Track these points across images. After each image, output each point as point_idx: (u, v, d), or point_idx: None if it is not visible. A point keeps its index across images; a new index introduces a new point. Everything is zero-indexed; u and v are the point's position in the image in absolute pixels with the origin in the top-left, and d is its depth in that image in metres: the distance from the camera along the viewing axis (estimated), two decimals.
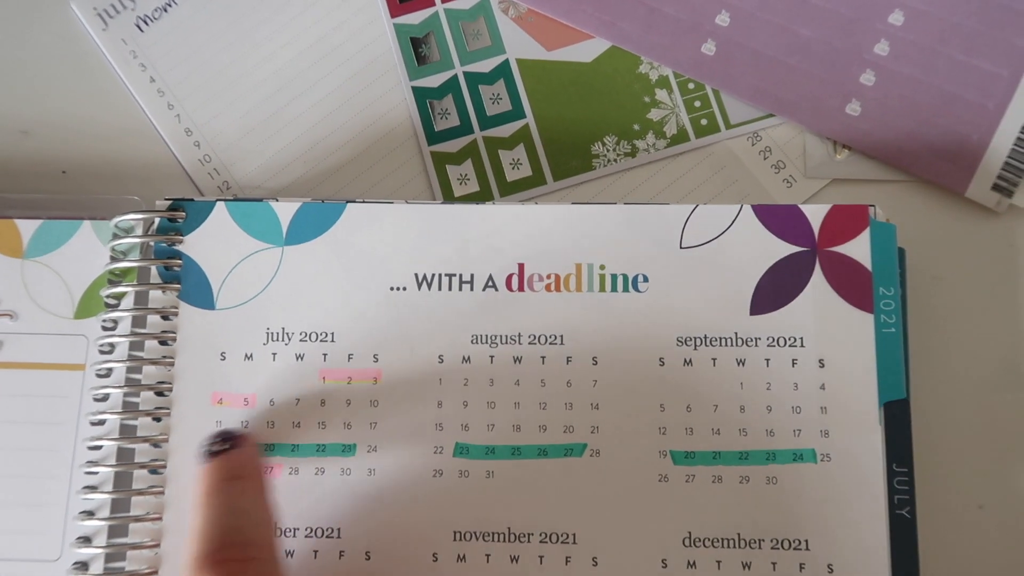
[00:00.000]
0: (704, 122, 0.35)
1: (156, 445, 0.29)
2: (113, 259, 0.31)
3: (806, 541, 0.27)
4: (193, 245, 0.30)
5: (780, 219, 0.30)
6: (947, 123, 0.34)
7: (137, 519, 0.28)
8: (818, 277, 0.29)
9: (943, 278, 0.33)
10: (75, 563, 0.29)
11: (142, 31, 0.35)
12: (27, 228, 0.31)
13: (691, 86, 0.35)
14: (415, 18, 0.35)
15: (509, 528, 0.28)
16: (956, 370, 0.32)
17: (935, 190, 0.34)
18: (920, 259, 0.33)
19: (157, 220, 0.30)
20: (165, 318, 0.30)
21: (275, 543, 0.26)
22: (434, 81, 0.35)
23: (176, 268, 0.30)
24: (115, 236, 0.31)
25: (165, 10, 0.35)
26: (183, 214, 0.31)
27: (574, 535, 0.28)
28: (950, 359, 0.32)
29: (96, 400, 0.30)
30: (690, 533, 0.28)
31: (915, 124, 0.34)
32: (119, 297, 0.30)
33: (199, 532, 0.25)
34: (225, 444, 0.27)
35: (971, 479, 0.31)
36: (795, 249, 0.29)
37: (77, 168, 0.35)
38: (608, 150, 0.35)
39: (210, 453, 0.27)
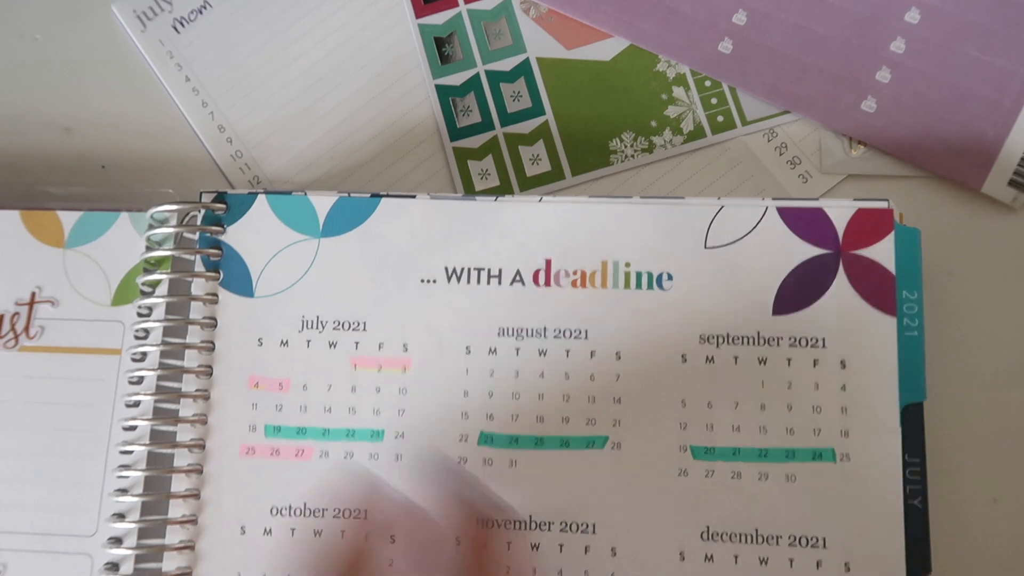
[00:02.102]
0: (720, 119, 0.30)
1: (195, 425, 0.25)
2: (148, 248, 0.27)
3: (824, 539, 0.24)
4: (234, 235, 0.26)
5: (805, 221, 0.25)
6: (963, 120, 0.29)
7: (171, 495, 0.25)
8: (841, 279, 0.25)
9: (957, 273, 0.29)
10: (110, 538, 0.25)
11: (178, 32, 0.31)
12: (68, 219, 0.28)
13: (708, 83, 0.30)
14: (439, 18, 0.31)
15: (530, 516, 0.24)
16: (970, 365, 0.28)
17: (950, 186, 0.29)
18: (935, 254, 0.28)
19: (201, 212, 0.27)
20: (206, 304, 0.26)
21: None
22: (457, 79, 0.30)
23: (217, 257, 0.26)
24: (151, 227, 0.27)
25: (200, 12, 0.31)
26: (224, 206, 0.27)
27: (594, 525, 0.24)
28: (964, 354, 0.28)
29: (131, 383, 0.26)
30: (708, 527, 0.24)
31: (931, 121, 0.29)
32: (154, 285, 0.26)
33: None
34: None
35: (985, 474, 0.27)
36: (819, 251, 0.25)
37: (116, 163, 0.31)
38: (626, 146, 0.30)
39: None
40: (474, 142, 0.30)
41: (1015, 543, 0.27)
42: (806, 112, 0.30)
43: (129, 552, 0.25)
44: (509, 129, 0.30)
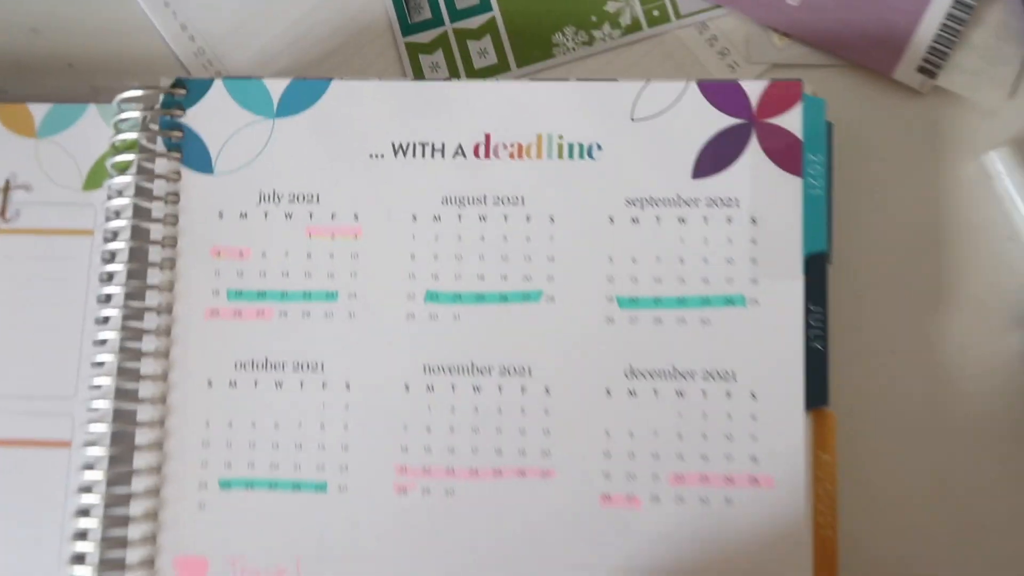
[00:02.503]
0: (656, 13, 0.32)
1: (162, 291, 0.27)
2: (117, 133, 0.29)
3: (733, 372, 0.26)
4: (194, 118, 0.28)
5: (722, 94, 0.27)
6: (877, 12, 0.31)
7: (142, 354, 0.27)
8: (754, 145, 0.27)
9: (870, 153, 0.31)
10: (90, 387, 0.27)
11: None
12: (39, 111, 0.30)
13: None
14: None
15: (472, 363, 0.27)
16: (878, 232, 0.30)
17: (866, 73, 0.31)
18: (850, 136, 0.31)
19: (161, 96, 0.28)
20: (169, 182, 0.28)
21: None
22: None
23: (178, 138, 0.28)
24: (120, 110, 0.28)
25: None
26: (184, 91, 0.28)
27: (529, 368, 0.27)
28: (873, 222, 0.31)
29: (104, 261, 0.28)
30: (631, 366, 0.26)
31: (848, 13, 0.31)
32: (123, 168, 0.28)
33: None
34: None
35: (886, 327, 0.30)
36: (735, 121, 0.27)
37: (82, 63, 0.32)
38: (567, 39, 0.32)
39: None
40: (425, 37, 0.32)
41: (911, 389, 0.29)
42: (735, 6, 0.32)
43: (107, 406, 0.27)
44: (458, 25, 0.32)
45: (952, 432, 0.29)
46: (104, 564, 0.26)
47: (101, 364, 0.27)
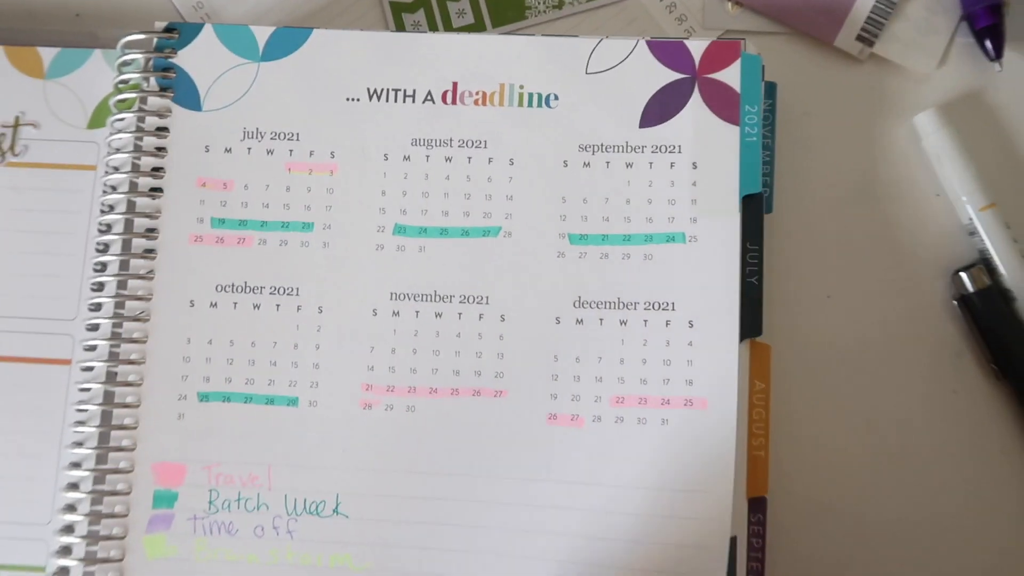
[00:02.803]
0: None
1: (152, 217, 0.30)
2: (120, 72, 0.31)
3: (672, 303, 0.28)
4: (185, 59, 0.31)
5: (668, 52, 0.30)
6: None
7: (131, 275, 0.30)
8: (696, 98, 0.29)
9: (812, 114, 0.33)
10: (90, 306, 0.30)
11: None
12: (47, 54, 0.32)
13: None
14: None
15: (435, 291, 0.29)
16: (818, 188, 0.33)
17: (811, 41, 0.34)
18: (794, 98, 0.33)
19: (155, 40, 0.31)
20: (161, 118, 0.30)
21: None
22: None
23: (170, 78, 0.30)
24: (123, 53, 0.31)
25: None
26: (176, 34, 0.31)
27: (487, 297, 0.29)
28: (813, 179, 0.33)
29: (105, 192, 0.30)
30: (580, 297, 0.29)
31: None
32: (128, 106, 0.30)
33: None
34: None
35: (822, 273, 0.32)
36: (679, 76, 0.30)
37: (88, 13, 0.35)
38: (539, 3, 0.34)
39: None
40: None
41: (843, 330, 0.32)
42: None
43: (107, 320, 0.29)
44: None
45: (879, 371, 0.32)
46: (96, 469, 0.28)
47: (100, 286, 0.30)
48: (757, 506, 0.29)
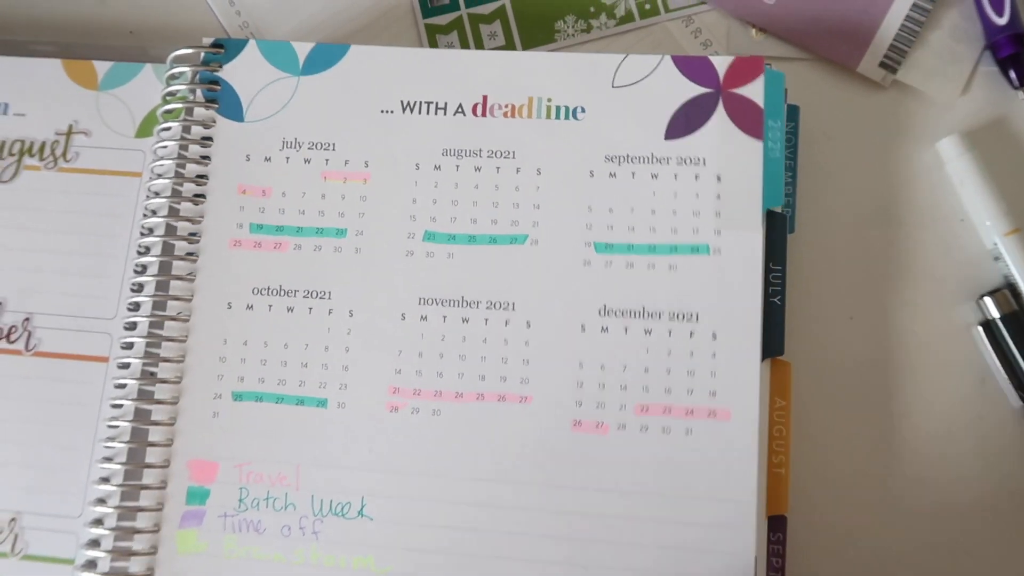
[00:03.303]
0: (648, 6, 0.36)
1: (193, 222, 0.31)
2: (168, 84, 0.32)
3: (696, 314, 0.29)
4: (230, 73, 0.32)
5: (693, 66, 0.31)
6: (844, 11, 0.34)
7: (172, 277, 0.30)
8: (720, 111, 0.30)
9: (834, 138, 0.34)
10: (128, 306, 0.31)
11: None
12: (101, 68, 0.34)
13: None
14: None
15: (463, 297, 0.30)
16: (840, 210, 0.33)
17: (833, 66, 0.35)
18: (816, 122, 0.34)
19: (203, 54, 0.32)
20: (205, 128, 0.32)
21: None
22: None
23: (216, 90, 0.32)
24: (171, 67, 0.32)
25: None
26: (223, 50, 0.32)
27: (513, 304, 0.30)
28: (835, 202, 0.33)
29: (148, 197, 0.32)
30: (605, 305, 0.29)
31: (818, 11, 0.34)
32: (173, 116, 0.32)
33: None
34: None
35: (845, 294, 0.32)
36: (704, 90, 0.30)
37: (141, 30, 0.36)
38: (568, 26, 0.36)
39: None
40: (442, 20, 0.36)
41: (864, 352, 0.32)
42: (718, 3, 0.35)
43: (144, 319, 0.30)
44: (473, 10, 0.36)
45: (901, 395, 0.31)
46: (129, 462, 0.29)
47: (140, 286, 0.31)
48: (777, 525, 0.29)
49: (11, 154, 0.33)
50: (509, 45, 0.36)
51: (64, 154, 0.33)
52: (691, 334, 0.29)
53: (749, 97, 0.30)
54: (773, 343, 0.29)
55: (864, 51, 0.34)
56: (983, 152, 0.32)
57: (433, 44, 0.36)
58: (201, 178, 0.31)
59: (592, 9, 0.36)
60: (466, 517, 0.28)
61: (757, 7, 0.35)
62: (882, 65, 0.34)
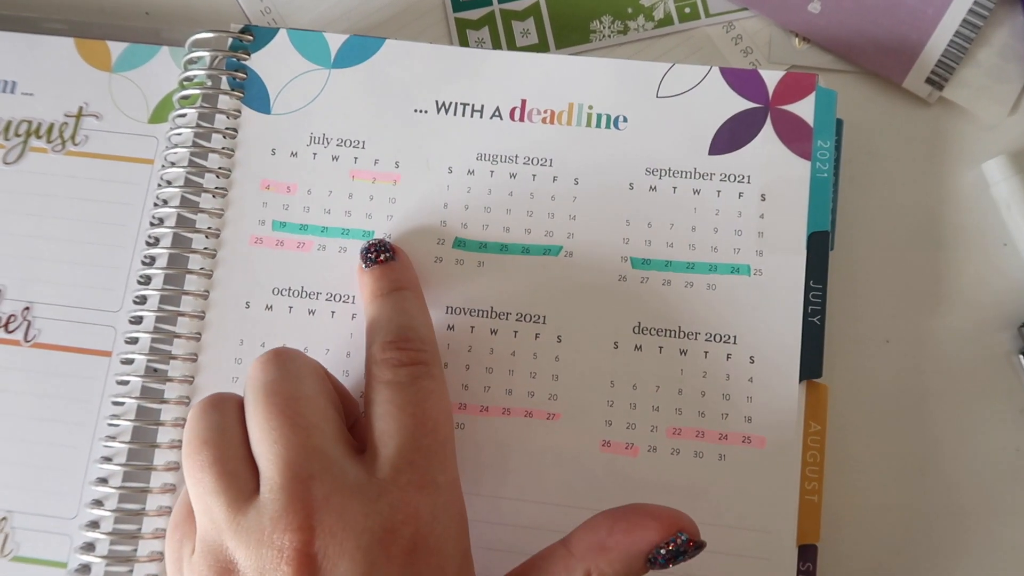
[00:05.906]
0: (688, 10, 0.34)
1: (212, 216, 0.29)
2: (186, 69, 0.31)
3: (734, 336, 0.28)
4: (257, 62, 0.30)
5: (742, 80, 0.29)
6: (892, 24, 0.33)
7: (188, 271, 0.29)
8: (768, 128, 0.29)
9: (877, 154, 0.33)
10: (135, 299, 0.29)
11: None
12: (116, 48, 0.32)
13: None
14: None
15: (492, 307, 0.29)
16: (880, 230, 0.32)
17: (878, 80, 0.33)
18: (859, 136, 0.33)
19: (230, 40, 0.31)
20: (230, 118, 0.30)
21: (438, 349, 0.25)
22: None
23: (242, 79, 0.30)
24: (190, 50, 0.31)
25: None
26: (251, 36, 0.31)
27: (544, 317, 0.28)
28: (876, 220, 0.32)
29: (160, 186, 0.30)
30: (639, 323, 0.28)
31: (865, 23, 0.33)
32: (190, 103, 0.30)
33: (379, 324, 0.25)
34: (387, 254, 0.27)
35: (882, 317, 0.31)
36: (752, 105, 0.29)
37: (158, 12, 0.35)
38: (604, 27, 0.34)
39: (374, 260, 0.27)
40: (474, 15, 0.34)
41: (902, 376, 0.31)
42: (761, 10, 0.34)
43: (151, 313, 0.29)
44: (505, 6, 0.35)
45: (938, 423, 0.31)
46: (131, 465, 0.28)
47: (147, 279, 0.29)
48: (807, 554, 0.28)
49: (17, 135, 0.31)
50: (542, 44, 0.34)
51: (73, 137, 0.31)
52: (728, 356, 0.28)
53: (799, 115, 0.29)
54: (811, 365, 0.28)
55: (910, 66, 0.33)
56: None
57: (463, 39, 0.34)
58: (223, 170, 0.30)
59: (630, 10, 0.34)
60: (487, 536, 0.27)
61: (801, 15, 0.34)
62: (928, 81, 0.33)
